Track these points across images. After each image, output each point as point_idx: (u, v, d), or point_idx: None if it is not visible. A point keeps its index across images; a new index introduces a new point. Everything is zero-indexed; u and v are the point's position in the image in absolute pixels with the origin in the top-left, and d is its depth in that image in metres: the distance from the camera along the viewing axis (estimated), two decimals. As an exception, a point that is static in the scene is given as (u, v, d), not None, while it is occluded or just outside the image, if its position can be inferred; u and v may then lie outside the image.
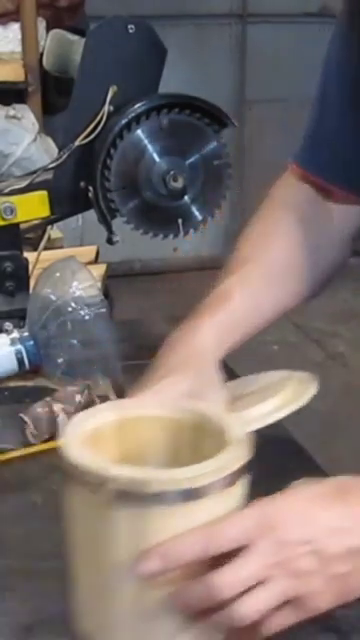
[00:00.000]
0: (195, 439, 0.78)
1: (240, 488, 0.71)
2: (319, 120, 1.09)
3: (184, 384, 0.91)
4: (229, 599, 0.67)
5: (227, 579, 0.67)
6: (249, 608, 0.67)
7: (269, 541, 0.68)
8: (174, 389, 0.89)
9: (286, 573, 0.68)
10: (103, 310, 1.15)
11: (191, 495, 0.68)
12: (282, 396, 0.93)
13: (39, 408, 1.07)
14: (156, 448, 0.79)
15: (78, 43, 1.26)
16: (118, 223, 1.23)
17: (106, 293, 1.38)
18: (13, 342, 1.16)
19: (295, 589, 0.69)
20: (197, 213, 1.23)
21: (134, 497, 0.68)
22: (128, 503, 0.68)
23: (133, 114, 1.18)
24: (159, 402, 0.82)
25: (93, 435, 0.75)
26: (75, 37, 1.29)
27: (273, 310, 1.05)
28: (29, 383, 1.20)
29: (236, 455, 0.71)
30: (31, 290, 1.24)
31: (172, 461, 0.77)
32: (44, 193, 1.24)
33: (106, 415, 0.78)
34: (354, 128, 1.03)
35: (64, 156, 1.22)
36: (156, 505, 0.68)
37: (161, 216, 1.22)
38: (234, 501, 0.71)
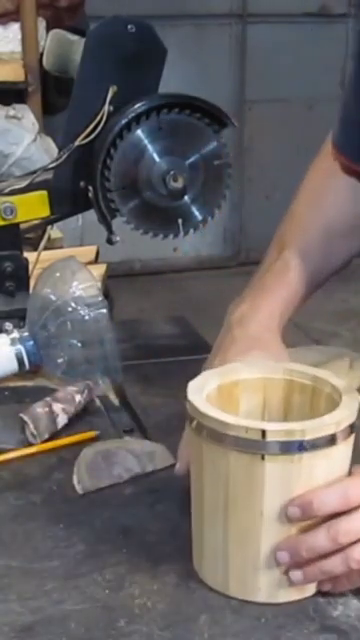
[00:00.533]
0: (285, 395, 0.87)
1: (354, 435, 0.79)
2: (345, 104, 1.16)
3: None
4: (345, 545, 0.76)
5: (345, 527, 0.76)
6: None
7: None
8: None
9: None
10: (103, 310, 1.15)
11: (333, 440, 0.76)
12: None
13: (39, 408, 1.07)
14: (249, 407, 0.87)
15: (78, 43, 1.25)
16: (118, 223, 1.23)
17: (106, 293, 1.38)
18: (13, 342, 1.16)
19: None
20: (197, 213, 1.23)
21: (289, 446, 0.75)
22: (282, 453, 0.75)
23: (133, 114, 1.18)
24: (249, 365, 0.89)
25: (206, 402, 0.81)
26: (75, 37, 1.29)
27: (327, 273, 1.13)
28: (29, 383, 1.20)
29: (354, 403, 0.79)
30: (31, 290, 1.24)
31: (264, 418, 0.87)
32: (44, 193, 1.24)
33: (212, 383, 0.84)
34: None
35: (64, 156, 1.22)
36: (306, 452, 0.75)
37: (161, 216, 1.22)
38: (351, 447, 0.79)
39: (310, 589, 0.80)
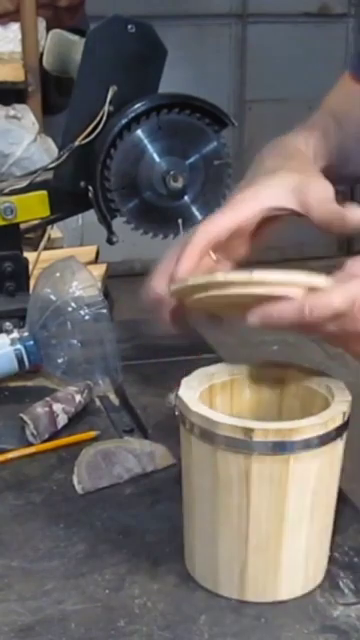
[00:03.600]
0: (255, 393, 0.87)
1: (346, 434, 0.79)
2: None
3: (291, 179, 0.94)
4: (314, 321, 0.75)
5: (316, 302, 0.75)
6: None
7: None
8: (283, 183, 0.93)
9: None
10: (103, 310, 1.15)
11: (326, 439, 0.76)
12: None
13: (39, 408, 1.07)
14: (223, 410, 0.85)
15: (78, 43, 1.25)
16: (118, 223, 1.23)
17: (106, 293, 1.38)
18: (13, 342, 1.16)
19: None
20: (197, 213, 1.23)
21: (292, 446, 0.75)
22: (275, 452, 0.75)
23: (133, 114, 1.18)
24: (219, 367, 0.87)
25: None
26: (75, 37, 1.29)
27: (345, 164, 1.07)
28: (29, 383, 1.20)
29: (346, 402, 0.79)
30: (31, 290, 1.24)
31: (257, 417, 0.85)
32: (44, 193, 1.24)
33: (195, 391, 0.83)
34: None
35: (64, 156, 1.22)
36: (300, 451, 0.75)
37: (161, 216, 1.22)
38: (343, 445, 0.79)
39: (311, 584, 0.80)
